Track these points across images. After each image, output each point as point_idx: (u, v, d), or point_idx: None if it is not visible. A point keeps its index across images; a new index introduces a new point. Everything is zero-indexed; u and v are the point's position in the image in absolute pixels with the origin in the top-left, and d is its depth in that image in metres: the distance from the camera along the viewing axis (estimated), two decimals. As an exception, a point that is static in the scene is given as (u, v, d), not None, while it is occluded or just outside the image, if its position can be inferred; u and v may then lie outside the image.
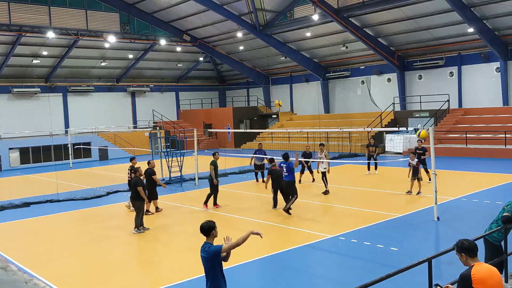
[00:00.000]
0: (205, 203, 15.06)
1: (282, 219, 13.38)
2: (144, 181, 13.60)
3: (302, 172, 19.65)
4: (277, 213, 14.34)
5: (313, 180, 19.52)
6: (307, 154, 19.41)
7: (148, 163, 15.13)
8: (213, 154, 15.60)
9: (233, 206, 15.43)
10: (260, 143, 21.29)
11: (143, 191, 12.50)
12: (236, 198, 17.00)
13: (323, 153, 17.40)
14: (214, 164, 14.96)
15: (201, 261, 5.93)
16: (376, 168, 21.46)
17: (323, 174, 16.90)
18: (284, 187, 13.97)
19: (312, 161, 19.26)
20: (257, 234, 6.04)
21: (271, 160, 15.10)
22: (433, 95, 30.76)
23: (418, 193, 15.69)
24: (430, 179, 16.81)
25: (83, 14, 34.19)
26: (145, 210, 13.65)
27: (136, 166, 14.73)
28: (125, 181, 18.22)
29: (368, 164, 21.44)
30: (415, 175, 15.75)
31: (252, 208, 15.15)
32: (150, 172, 14.64)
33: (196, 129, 21.95)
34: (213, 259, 5.76)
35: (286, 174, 14.01)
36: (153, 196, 14.74)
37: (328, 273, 9.22)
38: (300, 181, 19.13)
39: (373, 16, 29.76)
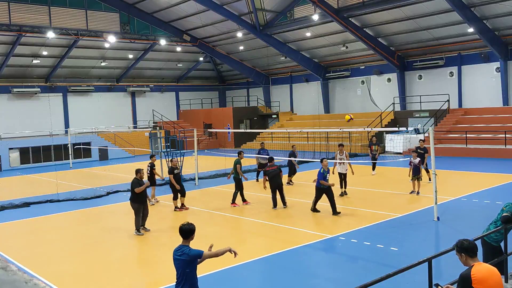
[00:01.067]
0: (233, 201, 15.52)
1: (282, 219, 13.39)
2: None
3: (290, 173, 19.37)
4: (277, 213, 14.34)
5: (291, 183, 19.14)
6: (293, 154, 19.36)
7: (171, 161, 15.76)
8: (238, 153, 16.18)
9: (233, 206, 15.42)
10: (263, 142, 21.08)
11: (138, 193, 12.33)
12: (236, 198, 16.99)
13: (344, 154, 16.64)
14: (239, 163, 15.66)
15: (198, 262, 5.88)
16: (374, 168, 21.16)
17: (344, 176, 16.28)
18: (317, 193, 13.58)
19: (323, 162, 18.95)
20: (234, 253, 5.90)
21: (270, 159, 15.05)
22: (433, 95, 30.76)
23: (417, 193, 15.63)
24: (430, 179, 16.77)
25: (83, 14, 34.20)
26: (180, 206, 15.07)
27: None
28: (125, 181, 18.24)
29: (373, 164, 21.03)
30: (416, 174, 15.63)
31: (252, 208, 15.15)
32: (168, 170, 15.12)
33: (196, 129, 21.95)
34: (191, 262, 5.71)
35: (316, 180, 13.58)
36: (180, 193, 15.05)
37: (328, 273, 9.21)
38: (288, 182, 19.07)
39: (373, 16, 29.76)
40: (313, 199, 13.85)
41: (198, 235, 11.96)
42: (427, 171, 17.62)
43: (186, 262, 5.71)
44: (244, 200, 15.70)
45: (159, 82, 43.87)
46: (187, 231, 5.90)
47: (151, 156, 17.18)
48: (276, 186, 14.53)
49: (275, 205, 14.66)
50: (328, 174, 13.67)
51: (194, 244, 5.87)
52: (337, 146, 17.45)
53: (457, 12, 25.81)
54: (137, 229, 12.37)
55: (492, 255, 6.73)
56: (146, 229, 12.59)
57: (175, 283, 5.92)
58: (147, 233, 12.44)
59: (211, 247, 5.96)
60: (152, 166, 16.57)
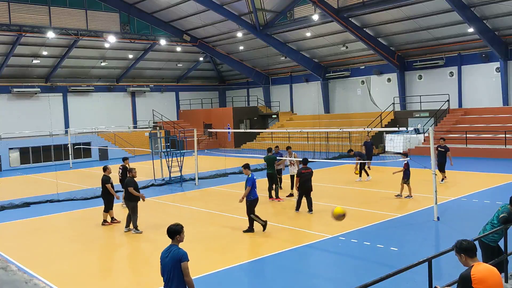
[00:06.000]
0: (277, 196, 15.90)
1: (282, 219, 13.39)
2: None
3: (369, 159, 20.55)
4: (277, 213, 14.34)
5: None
6: (370, 144, 20.81)
7: (105, 169, 14.07)
8: (269, 150, 16.59)
9: (233, 206, 15.43)
10: (277, 146, 18.68)
11: (134, 191, 12.40)
12: (236, 198, 16.98)
13: (292, 156, 16.56)
14: (276, 158, 16.11)
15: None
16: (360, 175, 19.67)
17: (292, 177, 16.26)
18: None
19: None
20: None
21: (305, 162, 14.20)
22: (433, 95, 30.76)
23: (408, 196, 15.17)
24: (443, 179, 17.59)
25: (83, 14, 34.20)
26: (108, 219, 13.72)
27: (130, 166, 15.30)
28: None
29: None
30: (404, 177, 15.09)
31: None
32: (106, 179, 13.69)
33: (196, 129, 21.95)
34: (179, 262, 5.72)
35: None
36: (110, 205, 13.82)
37: (328, 273, 9.22)
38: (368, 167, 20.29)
39: (373, 16, 29.76)
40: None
41: (198, 235, 11.98)
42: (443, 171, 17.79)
43: (174, 262, 5.70)
44: (276, 196, 15.90)
45: (159, 82, 43.86)
46: (171, 232, 5.99)
47: (124, 159, 16.71)
48: (306, 190, 13.84)
49: (298, 208, 14.02)
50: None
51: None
52: (286, 149, 17.32)
53: (457, 12, 25.80)
54: (136, 227, 12.40)
55: (490, 255, 6.74)
56: (134, 230, 12.45)
57: (163, 286, 5.88)
58: (147, 232, 12.41)
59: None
60: (124, 169, 15.97)
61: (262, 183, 17.61)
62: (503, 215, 6.81)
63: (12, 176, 27.44)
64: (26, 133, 34.26)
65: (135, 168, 13.35)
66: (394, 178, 19.74)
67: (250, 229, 11.92)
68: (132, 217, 12.47)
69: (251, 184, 11.77)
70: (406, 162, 15.38)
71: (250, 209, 11.88)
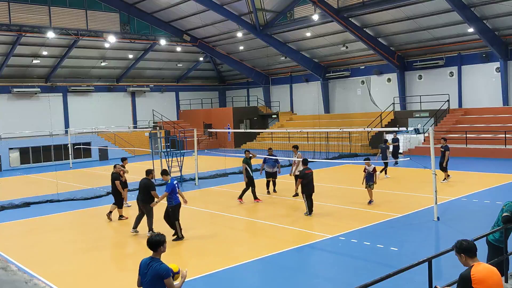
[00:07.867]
0: (240, 197, 15.85)
1: (282, 219, 13.38)
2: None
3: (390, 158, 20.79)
4: (277, 213, 14.32)
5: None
6: (387, 145, 20.64)
7: (114, 167, 14.98)
8: (245, 152, 16.57)
9: (233, 206, 15.44)
10: (270, 148, 18.16)
11: (157, 194, 12.27)
12: (236, 198, 16.99)
13: (297, 155, 16.19)
14: (246, 162, 15.89)
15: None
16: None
17: (296, 177, 15.17)
18: None
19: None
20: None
21: (305, 162, 13.81)
22: (433, 95, 30.76)
23: (370, 201, 14.63)
24: (447, 177, 17.84)
25: (83, 14, 34.20)
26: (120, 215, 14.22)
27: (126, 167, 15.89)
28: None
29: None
30: (369, 181, 14.57)
31: (251, 208, 15.15)
32: (115, 177, 14.35)
33: (196, 129, 21.96)
34: (160, 278, 5.23)
35: None
36: (119, 203, 14.36)
37: (328, 273, 9.22)
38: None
39: (373, 16, 29.76)
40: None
41: (198, 235, 11.98)
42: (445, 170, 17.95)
43: (155, 279, 5.25)
44: (255, 198, 15.86)
45: (159, 82, 43.87)
46: (154, 243, 5.47)
47: (123, 159, 16.52)
48: (311, 192, 13.49)
49: (310, 211, 13.48)
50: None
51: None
52: (292, 148, 17.18)
53: (457, 12, 25.81)
54: (152, 230, 12.07)
55: (497, 256, 6.72)
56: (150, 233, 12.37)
57: None
58: (145, 232, 12.35)
59: (184, 273, 5.52)
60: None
61: (262, 183, 17.62)
62: (505, 214, 6.79)
63: (12, 176, 27.45)
64: (26, 133, 34.25)
65: (153, 170, 12.95)
66: (393, 178, 19.78)
67: (179, 236, 11.46)
68: (148, 220, 12.14)
69: (169, 190, 11.51)
70: (374, 167, 14.86)
71: (174, 215, 11.57)
